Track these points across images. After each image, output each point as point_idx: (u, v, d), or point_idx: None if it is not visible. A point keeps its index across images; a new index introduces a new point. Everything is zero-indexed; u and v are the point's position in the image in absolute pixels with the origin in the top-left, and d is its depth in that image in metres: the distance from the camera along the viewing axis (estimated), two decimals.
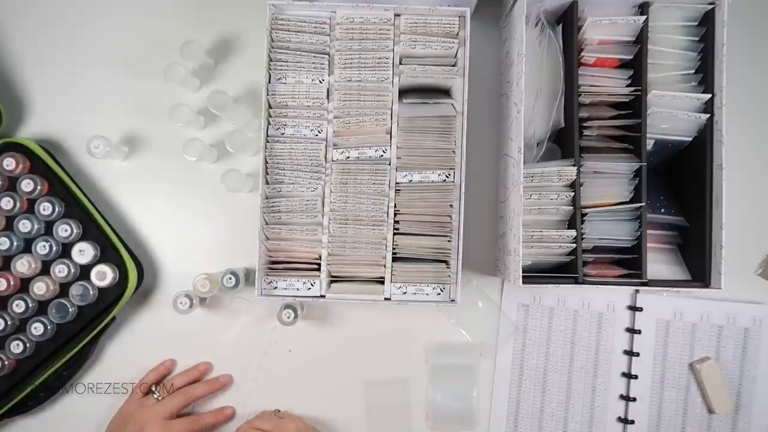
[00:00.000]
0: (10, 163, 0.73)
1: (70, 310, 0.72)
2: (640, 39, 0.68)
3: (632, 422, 0.76)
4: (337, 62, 0.69)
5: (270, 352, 0.77)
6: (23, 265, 0.72)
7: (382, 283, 0.69)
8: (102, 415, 0.76)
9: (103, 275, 0.73)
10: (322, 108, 0.70)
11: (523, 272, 0.65)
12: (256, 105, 0.76)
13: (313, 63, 0.69)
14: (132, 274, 0.74)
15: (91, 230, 0.74)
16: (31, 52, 0.80)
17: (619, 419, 0.77)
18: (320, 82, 0.70)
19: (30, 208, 0.73)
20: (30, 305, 0.72)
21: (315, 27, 0.70)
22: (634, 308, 0.77)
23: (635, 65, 0.69)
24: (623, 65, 0.71)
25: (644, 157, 0.68)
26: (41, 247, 0.72)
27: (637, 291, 0.77)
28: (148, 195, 0.79)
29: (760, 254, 0.78)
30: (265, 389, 0.77)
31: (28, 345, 0.72)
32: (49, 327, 0.72)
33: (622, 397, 0.77)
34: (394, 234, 0.69)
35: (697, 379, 0.76)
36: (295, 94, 0.69)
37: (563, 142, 0.71)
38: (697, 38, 0.69)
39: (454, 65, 0.70)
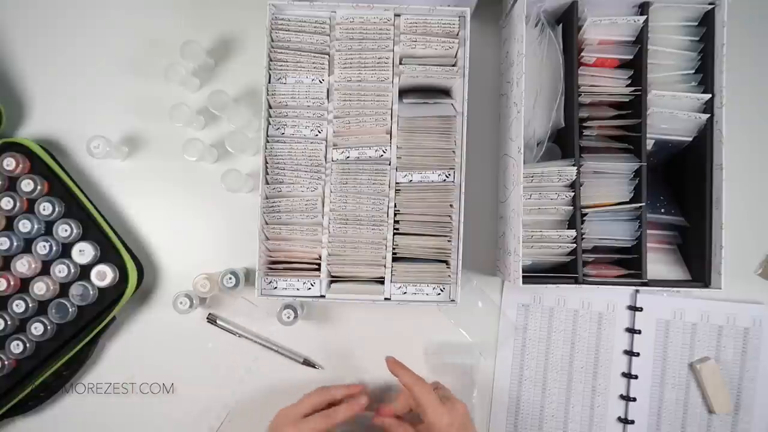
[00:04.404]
0: (10, 163, 0.73)
1: (70, 310, 0.72)
2: (640, 39, 0.68)
3: (632, 422, 0.76)
4: (337, 62, 0.69)
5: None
6: (23, 265, 0.72)
7: (382, 283, 0.69)
8: (102, 415, 0.76)
9: (103, 275, 0.73)
10: (322, 108, 0.70)
11: (523, 272, 0.65)
12: (256, 105, 0.76)
13: (313, 63, 0.69)
14: (132, 274, 0.74)
15: (91, 230, 0.74)
16: (31, 52, 0.80)
17: (619, 419, 0.77)
18: (320, 82, 0.70)
19: (30, 208, 0.73)
20: (30, 305, 0.72)
21: (315, 27, 0.70)
22: (634, 308, 0.77)
23: (635, 65, 0.69)
24: (623, 65, 0.71)
25: (644, 157, 0.68)
26: (41, 247, 0.72)
27: (637, 291, 0.77)
28: (148, 195, 0.79)
29: (760, 254, 0.78)
30: (264, 389, 0.77)
31: (28, 345, 0.72)
32: (49, 327, 0.72)
33: (622, 397, 0.77)
34: (394, 234, 0.69)
35: (697, 379, 0.76)
36: (295, 94, 0.69)
37: (563, 142, 0.71)
38: (697, 38, 0.69)
39: (454, 65, 0.70)
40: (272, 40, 0.69)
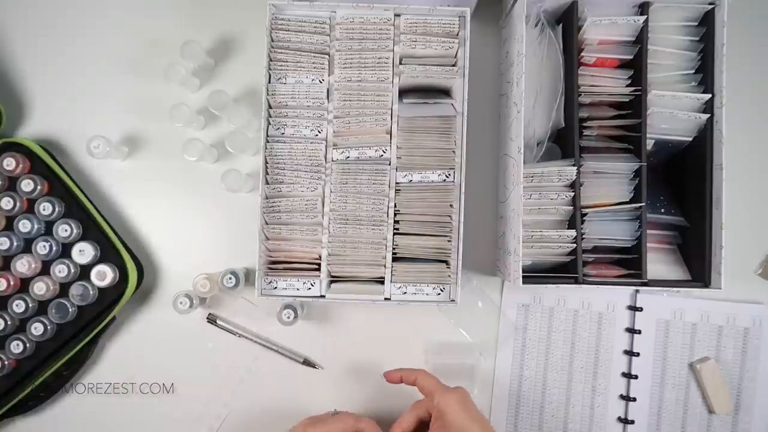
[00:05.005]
0: (10, 163, 0.73)
1: (70, 310, 0.72)
2: (640, 39, 0.68)
3: (632, 422, 0.76)
4: (337, 62, 0.69)
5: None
6: (23, 265, 0.72)
7: (382, 283, 0.69)
8: (102, 415, 0.76)
9: (103, 275, 0.73)
10: (322, 108, 0.70)
11: (523, 272, 0.65)
12: (256, 105, 0.76)
13: (313, 63, 0.69)
14: (132, 274, 0.74)
15: (91, 230, 0.74)
16: (31, 52, 0.80)
17: (619, 419, 0.77)
18: (320, 82, 0.70)
19: (30, 208, 0.73)
20: (30, 305, 0.72)
21: (315, 27, 0.70)
22: (634, 308, 0.77)
23: (635, 65, 0.69)
24: (623, 65, 0.71)
25: (644, 157, 0.68)
26: (41, 247, 0.72)
27: (637, 291, 0.77)
28: (148, 195, 0.79)
29: (760, 254, 0.78)
30: (264, 389, 0.77)
31: (28, 345, 0.72)
32: (49, 327, 0.72)
33: (622, 397, 0.77)
34: (394, 234, 0.69)
35: (697, 379, 0.76)
36: (295, 94, 0.69)
37: (563, 142, 0.71)
38: (697, 38, 0.69)
39: (454, 65, 0.70)
40: (272, 40, 0.69)
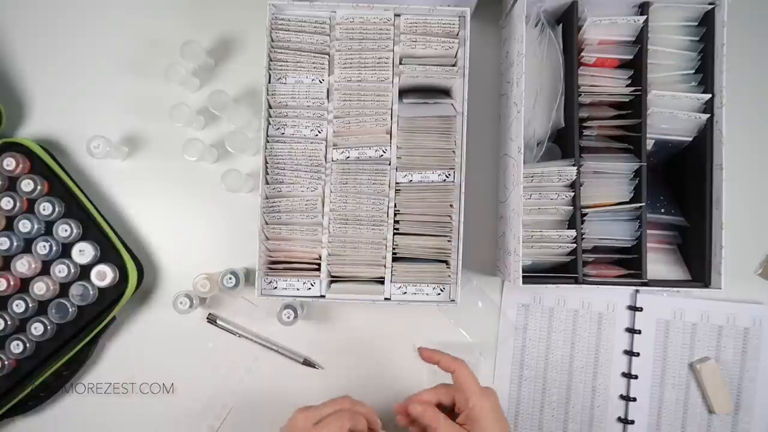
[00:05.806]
0: (10, 163, 0.73)
1: (70, 310, 0.72)
2: (640, 39, 0.68)
3: (632, 422, 0.76)
4: (337, 62, 0.69)
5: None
6: (23, 265, 0.72)
7: (382, 283, 0.69)
8: (102, 415, 0.76)
9: (103, 275, 0.73)
10: (322, 108, 0.70)
11: (523, 272, 0.65)
12: (256, 105, 0.76)
13: (313, 63, 0.69)
14: (132, 274, 0.74)
15: (91, 230, 0.74)
16: (31, 52, 0.80)
17: (619, 419, 0.77)
18: (320, 82, 0.70)
19: (30, 208, 0.73)
20: (30, 305, 0.72)
21: (315, 27, 0.70)
22: (634, 308, 0.77)
23: (635, 65, 0.69)
24: (623, 65, 0.71)
25: (644, 157, 0.68)
26: (41, 247, 0.72)
27: (637, 291, 0.77)
28: (148, 195, 0.79)
29: (760, 254, 0.78)
30: (264, 389, 0.77)
31: (28, 345, 0.72)
32: (49, 327, 0.72)
33: (622, 397, 0.77)
34: (394, 234, 0.69)
35: (697, 379, 0.76)
36: (295, 94, 0.69)
37: (563, 142, 0.71)
38: (697, 38, 0.69)
39: (454, 65, 0.70)
40: (272, 40, 0.69)
